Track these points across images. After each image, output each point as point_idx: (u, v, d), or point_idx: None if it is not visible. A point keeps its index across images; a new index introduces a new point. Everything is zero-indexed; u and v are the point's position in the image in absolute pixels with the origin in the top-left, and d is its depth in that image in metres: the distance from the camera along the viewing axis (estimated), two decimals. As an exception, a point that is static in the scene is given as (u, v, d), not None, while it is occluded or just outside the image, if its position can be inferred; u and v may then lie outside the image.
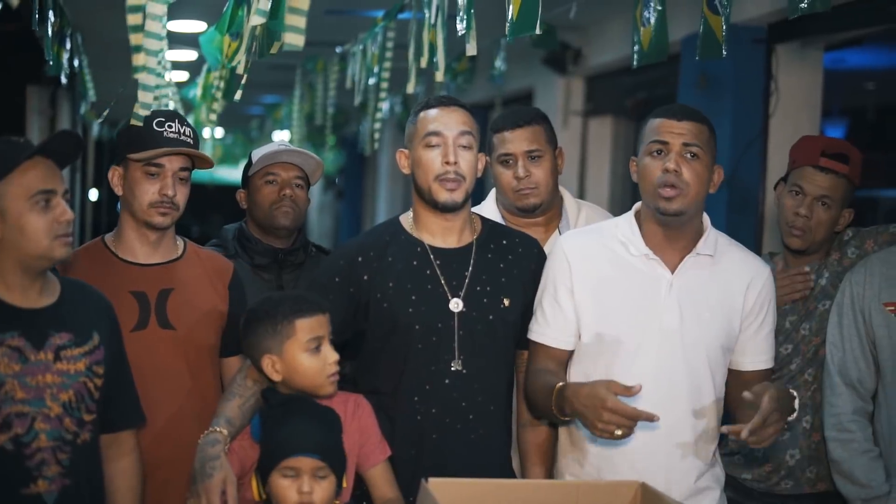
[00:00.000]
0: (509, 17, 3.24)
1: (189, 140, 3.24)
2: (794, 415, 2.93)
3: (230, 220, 4.06)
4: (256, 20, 3.10)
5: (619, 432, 2.76)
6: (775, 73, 5.72)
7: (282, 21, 3.09)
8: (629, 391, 2.78)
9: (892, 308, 3.33)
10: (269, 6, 3.06)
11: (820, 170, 3.53)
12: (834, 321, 3.45)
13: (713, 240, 3.14)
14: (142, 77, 3.19)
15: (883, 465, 3.35)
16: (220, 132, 9.93)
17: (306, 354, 2.89)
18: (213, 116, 6.87)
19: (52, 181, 2.62)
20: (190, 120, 3.43)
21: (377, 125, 5.83)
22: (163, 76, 4.01)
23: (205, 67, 7.80)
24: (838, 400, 3.41)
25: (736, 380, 3.13)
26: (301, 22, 3.08)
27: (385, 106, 6.11)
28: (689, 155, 3.02)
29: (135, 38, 3.10)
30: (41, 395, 2.62)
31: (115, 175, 3.26)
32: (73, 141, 2.69)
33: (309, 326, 2.90)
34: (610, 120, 8.45)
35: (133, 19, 3.10)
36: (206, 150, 11.44)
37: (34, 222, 2.59)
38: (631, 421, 2.76)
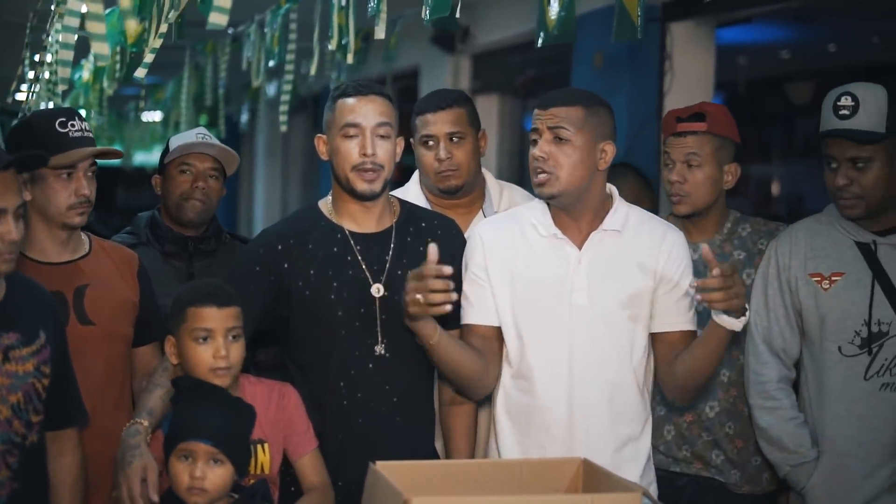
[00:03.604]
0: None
1: (90, 135, 3.21)
2: (746, 316, 2.93)
3: (100, 202, 3.92)
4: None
5: (437, 297, 2.84)
6: (670, 52, 5.82)
7: (210, 2, 3.07)
8: (432, 257, 2.87)
9: (818, 279, 3.38)
10: None
11: (679, 135, 3.55)
12: (759, 290, 3.48)
13: (623, 214, 3.16)
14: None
15: (808, 431, 3.43)
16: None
17: (193, 343, 2.91)
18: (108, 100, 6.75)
19: None
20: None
21: (283, 108, 5.80)
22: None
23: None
24: (763, 368, 3.46)
25: (662, 345, 3.16)
26: (227, 2, 3.08)
27: (278, 87, 6.08)
28: (557, 139, 3.05)
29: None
30: None
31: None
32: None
33: (199, 316, 2.91)
34: (496, 98, 8.52)
35: None
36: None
37: None
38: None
